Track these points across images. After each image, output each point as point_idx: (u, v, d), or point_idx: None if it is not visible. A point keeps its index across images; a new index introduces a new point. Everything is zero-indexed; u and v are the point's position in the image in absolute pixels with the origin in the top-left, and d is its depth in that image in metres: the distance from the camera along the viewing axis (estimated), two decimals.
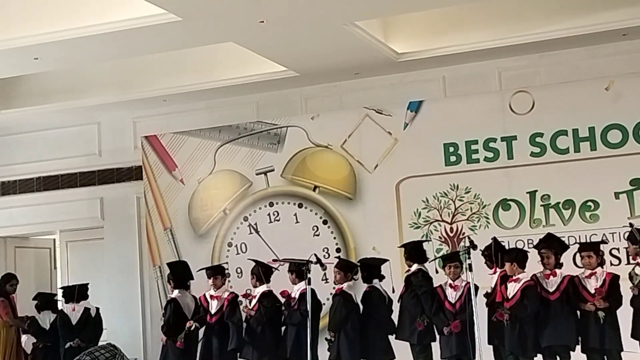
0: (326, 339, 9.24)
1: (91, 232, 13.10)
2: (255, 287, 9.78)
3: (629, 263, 8.60)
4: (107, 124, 12.97)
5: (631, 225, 8.48)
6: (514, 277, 8.63)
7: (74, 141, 13.09)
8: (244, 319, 9.78)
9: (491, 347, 8.77)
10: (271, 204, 11.57)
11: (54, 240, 13.94)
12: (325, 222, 11.31)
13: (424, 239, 10.28)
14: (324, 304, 9.88)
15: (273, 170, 11.58)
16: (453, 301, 8.82)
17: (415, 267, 9.24)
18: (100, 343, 10.57)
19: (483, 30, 10.61)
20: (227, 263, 11.17)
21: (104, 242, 12.91)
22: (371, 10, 9.62)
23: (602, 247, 8.76)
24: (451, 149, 10.78)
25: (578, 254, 8.76)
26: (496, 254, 8.76)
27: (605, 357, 8.40)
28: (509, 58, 11.02)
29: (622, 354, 8.38)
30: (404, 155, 10.95)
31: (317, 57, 10.74)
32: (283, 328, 9.60)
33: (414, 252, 9.35)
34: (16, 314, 11.27)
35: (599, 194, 10.17)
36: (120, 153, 12.85)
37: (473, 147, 10.70)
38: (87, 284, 11.25)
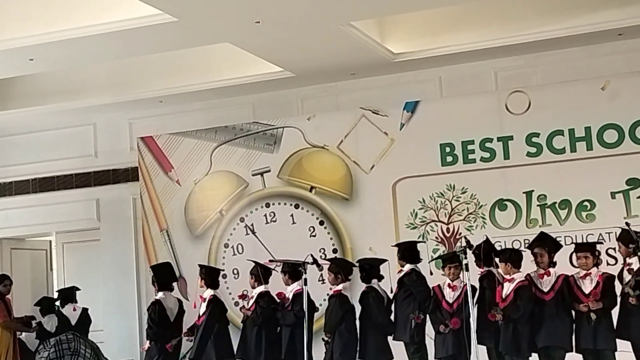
0: (323, 339, 9.24)
1: (87, 234, 13.08)
2: (253, 287, 9.77)
3: (625, 263, 8.55)
4: (103, 125, 12.96)
5: (627, 224, 8.46)
6: (509, 277, 8.62)
7: (69, 142, 13.07)
8: (242, 319, 9.79)
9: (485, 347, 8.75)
10: (267, 205, 11.56)
11: (50, 241, 13.92)
12: (321, 223, 11.30)
13: (419, 239, 10.28)
14: (320, 304, 9.87)
15: (269, 171, 11.56)
16: (451, 301, 8.78)
17: (407, 267, 9.22)
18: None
19: (479, 31, 10.62)
20: (223, 270, 11.12)
21: (100, 244, 12.90)
22: (367, 11, 9.62)
23: (598, 247, 8.75)
24: (447, 149, 10.78)
25: (574, 254, 8.74)
26: (487, 253, 8.73)
27: (599, 357, 8.38)
28: (505, 58, 11.03)
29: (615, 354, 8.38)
30: (401, 155, 10.94)
31: (313, 58, 10.74)
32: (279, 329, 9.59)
33: (408, 252, 9.33)
34: (12, 316, 11.25)
35: (595, 193, 10.18)
36: (116, 154, 12.84)
37: (469, 147, 10.70)
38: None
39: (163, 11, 9.04)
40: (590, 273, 8.45)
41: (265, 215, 11.57)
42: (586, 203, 10.22)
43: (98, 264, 12.83)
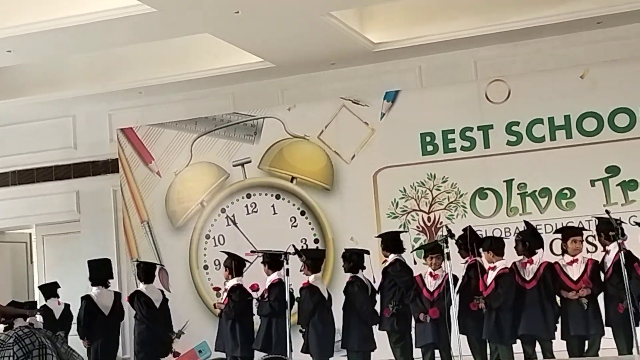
0: (300, 331, 9.25)
1: (67, 226, 13.02)
2: (227, 279, 9.72)
3: (605, 251, 8.60)
4: (82, 117, 12.89)
5: (607, 212, 8.50)
6: (492, 266, 8.64)
7: (49, 134, 12.99)
8: (218, 314, 9.79)
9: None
10: (248, 196, 11.55)
11: (30, 234, 13.84)
12: (303, 213, 11.30)
13: (401, 229, 10.30)
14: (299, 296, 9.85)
15: (250, 161, 11.55)
16: (432, 289, 8.81)
17: (392, 257, 9.24)
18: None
19: (458, 20, 10.63)
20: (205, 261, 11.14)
21: (80, 236, 12.84)
22: (347, 0, 9.62)
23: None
24: (428, 139, 10.80)
25: (561, 241, 8.70)
26: (471, 243, 8.75)
27: (586, 342, 8.41)
28: (485, 47, 11.05)
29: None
30: (381, 145, 10.95)
31: (293, 48, 10.72)
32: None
33: (391, 242, 9.35)
34: None
35: (574, 181, 10.23)
36: (96, 146, 12.77)
37: (450, 136, 10.72)
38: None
39: (141, 2, 8.99)
40: (578, 259, 8.45)
41: (247, 205, 11.55)
42: (566, 191, 10.27)
43: (79, 256, 12.74)
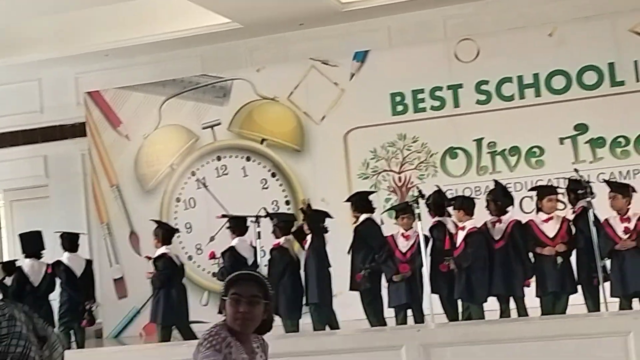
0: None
1: (36, 191, 12.90)
2: (157, 247, 9.33)
3: (573, 209, 8.63)
4: (48, 80, 12.72)
5: (576, 170, 8.52)
6: (461, 226, 8.62)
7: (14, 98, 12.80)
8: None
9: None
10: (219, 158, 11.50)
11: None
12: (273, 175, 11.28)
13: (372, 189, 10.29)
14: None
15: (220, 123, 11.48)
16: (404, 250, 8.80)
17: (363, 217, 9.22)
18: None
19: None
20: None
21: (49, 201, 12.74)
22: None
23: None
24: (397, 99, 10.79)
25: (536, 199, 8.65)
26: (437, 203, 8.75)
27: (556, 300, 8.42)
28: (454, 6, 11.02)
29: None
30: (351, 105, 10.93)
31: (261, 8, 10.61)
32: None
33: (360, 202, 9.29)
34: None
35: (544, 140, 10.30)
36: (63, 110, 12.62)
37: (419, 96, 10.72)
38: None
39: None
40: (553, 217, 8.43)
41: (217, 168, 11.50)
42: (535, 149, 10.34)
43: (48, 221, 12.62)
